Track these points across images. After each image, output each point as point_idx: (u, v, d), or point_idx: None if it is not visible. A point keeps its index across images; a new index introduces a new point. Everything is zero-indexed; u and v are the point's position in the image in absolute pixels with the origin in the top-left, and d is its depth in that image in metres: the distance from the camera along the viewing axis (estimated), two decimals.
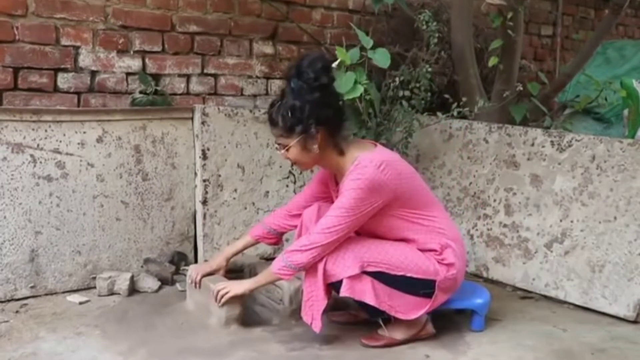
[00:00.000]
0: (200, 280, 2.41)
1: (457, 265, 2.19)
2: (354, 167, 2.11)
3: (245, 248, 2.54)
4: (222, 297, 2.24)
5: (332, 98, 2.19)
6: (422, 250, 2.18)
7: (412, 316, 2.17)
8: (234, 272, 2.64)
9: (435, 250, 2.18)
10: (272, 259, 3.10)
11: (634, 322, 2.47)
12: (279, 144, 2.21)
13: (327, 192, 2.39)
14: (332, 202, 2.28)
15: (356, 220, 2.10)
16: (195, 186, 2.99)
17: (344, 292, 2.09)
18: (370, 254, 2.12)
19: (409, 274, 2.13)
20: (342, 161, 2.19)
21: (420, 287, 2.14)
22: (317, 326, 2.12)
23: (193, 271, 2.46)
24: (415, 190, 2.22)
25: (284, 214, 2.47)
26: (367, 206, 2.09)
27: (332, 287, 2.15)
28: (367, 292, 2.10)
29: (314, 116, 2.11)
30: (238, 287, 2.26)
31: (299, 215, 2.40)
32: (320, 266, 2.10)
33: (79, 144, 2.70)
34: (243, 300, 2.33)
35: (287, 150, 2.18)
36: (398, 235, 2.20)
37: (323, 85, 2.13)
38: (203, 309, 2.39)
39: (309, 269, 2.13)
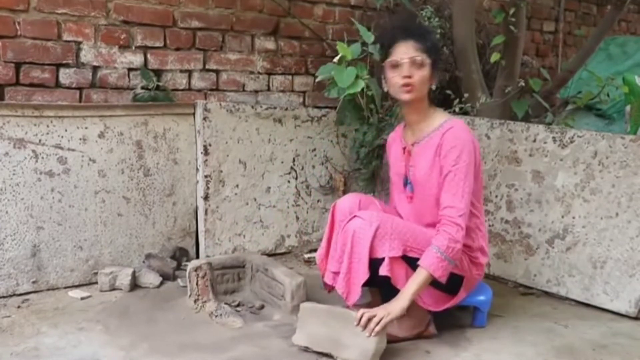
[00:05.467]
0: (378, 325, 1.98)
1: (483, 268, 2.26)
2: (448, 130, 2.15)
3: None
4: (377, 323, 1.95)
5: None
6: None
7: (436, 309, 2.20)
8: (234, 268, 2.64)
9: (469, 247, 2.21)
10: (274, 254, 3.12)
11: (635, 318, 2.47)
12: (412, 60, 2.15)
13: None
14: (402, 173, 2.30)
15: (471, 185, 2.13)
16: (197, 182, 2.99)
17: (383, 271, 2.06)
18: (414, 239, 2.12)
19: None
20: (427, 116, 2.24)
21: (448, 281, 2.12)
22: (352, 299, 2.09)
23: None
24: (479, 177, 2.25)
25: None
26: (472, 169, 2.13)
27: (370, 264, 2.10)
28: (400, 279, 2.10)
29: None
30: (393, 309, 2.01)
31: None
32: (368, 242, 2.06)
33: (80, 139, 2.71)
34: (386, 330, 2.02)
35: (423, 66, 2.16)
36: None
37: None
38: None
39: (345, 243, 2.10)
